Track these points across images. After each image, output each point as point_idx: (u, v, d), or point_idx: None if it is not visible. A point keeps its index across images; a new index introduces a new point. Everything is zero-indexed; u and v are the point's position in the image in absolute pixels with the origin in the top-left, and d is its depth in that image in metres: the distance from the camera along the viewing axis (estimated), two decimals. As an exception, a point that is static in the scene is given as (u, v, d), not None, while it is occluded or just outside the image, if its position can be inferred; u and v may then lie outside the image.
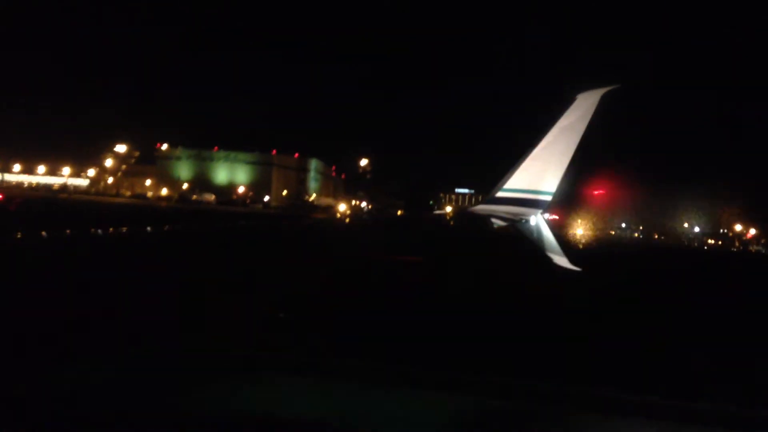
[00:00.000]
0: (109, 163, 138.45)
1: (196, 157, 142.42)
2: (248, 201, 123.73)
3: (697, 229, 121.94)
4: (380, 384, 9.05)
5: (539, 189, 12.25)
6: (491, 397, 9.92)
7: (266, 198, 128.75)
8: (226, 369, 7.82)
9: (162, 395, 7.21)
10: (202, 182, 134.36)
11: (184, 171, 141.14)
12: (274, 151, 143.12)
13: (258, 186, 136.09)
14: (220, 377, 7.66)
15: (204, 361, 8.06)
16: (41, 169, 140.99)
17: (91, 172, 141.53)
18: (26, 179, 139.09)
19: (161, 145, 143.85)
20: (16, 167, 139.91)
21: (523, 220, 12.25)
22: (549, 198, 12.27)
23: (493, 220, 12.16)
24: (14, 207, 48.59)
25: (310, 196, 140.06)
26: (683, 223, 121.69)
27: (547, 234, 12.42)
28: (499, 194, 12.35)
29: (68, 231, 11.84)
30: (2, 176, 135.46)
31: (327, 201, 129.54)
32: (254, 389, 7.52)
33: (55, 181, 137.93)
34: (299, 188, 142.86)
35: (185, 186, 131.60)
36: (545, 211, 12.38)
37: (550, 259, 12.13)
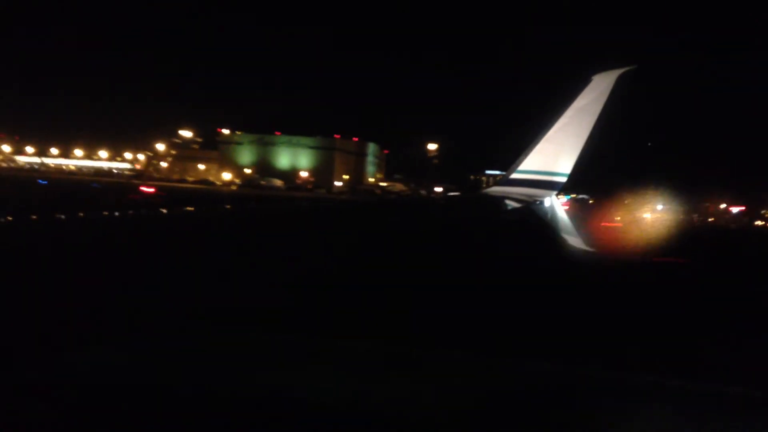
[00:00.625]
0: (170, 148, 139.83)
1: (257, 141, 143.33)
2: (309, 186, 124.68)
3: (735, 210, 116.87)
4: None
5: (554, 170, 12.27)
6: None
7: (339, 183, 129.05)
8: None
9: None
10: (263, 167, 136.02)
11: (245, 156, 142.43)
12: (337, 136, 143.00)
13: (320, 171, 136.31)
14: None
15: None
16: (76, 152, 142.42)
17: (129, 156, 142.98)
18: (63, 163, 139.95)
19: (222, 129, 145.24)
20: (54, 151, 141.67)
21: (538, 202, 12.30)
22: (563, 179, 12.27)
23: (507, 201, 12.25)
24: (160, 201, 50.68)
25: (374, 180, 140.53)
26: (720, 204, 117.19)
27: (562, 215, 12.43)
28: (514, 176, 12.41)
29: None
30: (41, 160, 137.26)
31: (399, 186, 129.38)
32: None
33: (92, 165, 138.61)
34: (359, 173, 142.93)
35: (247, 171, 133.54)
36: (559, 192, 12.40)
37: (564, 241, 12.16)
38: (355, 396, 8.51)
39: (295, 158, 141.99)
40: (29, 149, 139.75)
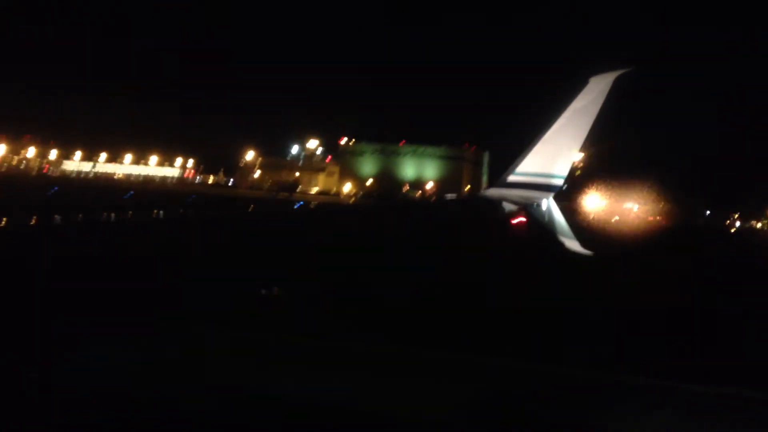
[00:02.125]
0: (293, 159, 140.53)
1: (380, 151, 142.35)
2: (433, 198, 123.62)
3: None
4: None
5: (551, 172, 12.23)
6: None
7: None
8: None
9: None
10: (386, 178, 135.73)
11: (367, 166, 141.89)
12: (467, 145, 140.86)
13: (446, 181, 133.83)
14: None
15: None
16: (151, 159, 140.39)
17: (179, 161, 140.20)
18: (113, 169, 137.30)
19: (342, 139, 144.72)
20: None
21: (535, 204, 12.31)
22: (561, 181, 12.21)
23: (505, 204, 12.35)
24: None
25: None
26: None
27: (559, 218, 12.35)
28: (511, 178, 12.48)
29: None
30: (93, 165, 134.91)
31: None
32: None
33: (166, 172, 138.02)
34: (477, 183, 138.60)
35: (369, 182, 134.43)
36: (556, 194, 12.35)
37: (561, 243, 12.08)
38: (354, 396, 8.92)
39: (420, 168, 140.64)
40: (77, 155, 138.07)
